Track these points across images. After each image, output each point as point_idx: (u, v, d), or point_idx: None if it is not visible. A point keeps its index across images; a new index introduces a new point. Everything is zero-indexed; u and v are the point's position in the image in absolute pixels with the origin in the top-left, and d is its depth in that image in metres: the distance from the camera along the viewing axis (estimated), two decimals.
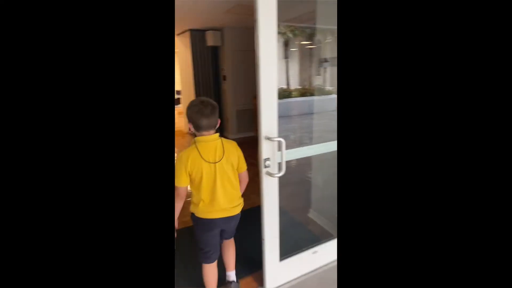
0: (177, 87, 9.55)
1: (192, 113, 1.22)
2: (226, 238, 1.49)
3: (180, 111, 8.98)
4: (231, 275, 1.58)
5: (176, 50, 6.41)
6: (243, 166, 1.37)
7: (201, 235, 1.35)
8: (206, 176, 1.24)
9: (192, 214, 1.35)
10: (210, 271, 1.41)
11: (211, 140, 1.26)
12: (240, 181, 1.38)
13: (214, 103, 1.27)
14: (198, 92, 5.40)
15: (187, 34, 5.18)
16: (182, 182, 1.23)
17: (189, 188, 1.30)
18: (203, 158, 1.22)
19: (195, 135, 1.29)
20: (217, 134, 1.29)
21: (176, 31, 5.56)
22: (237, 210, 1.37)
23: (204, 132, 1.25)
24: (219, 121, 1.29)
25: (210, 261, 1.39)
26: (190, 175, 1.24)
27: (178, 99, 8.13)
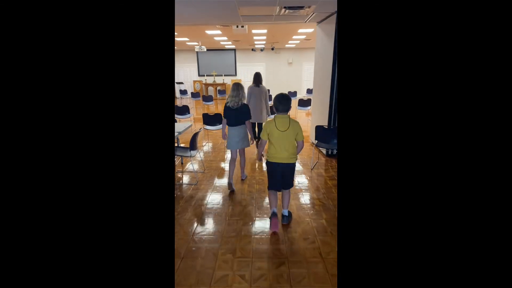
0: (310, 85, 8.50)
1: (275, 102, 2.33)
2: (285, 187, 2.55)
3: (308, 112, 8.15)
4: (285, 211, 2.66)
5: (314, 43, 5.34)
6: (300, 137, 2.38)
7: (268, 171, 2.55)
8: (275, 137, 2.36)
9: (267, 159, 2.52)
10: (271, 194, 2.63)
11: (283, 118, 2.35)
12: (297, 146, 2.43)
13: (289, 97, 2.33)
14: (333, 95, 4.18)
15: (332, 19, 3.99)
16: (264, 137, 2.42)
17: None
18: (276, 127, 2.33)
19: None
20: (288, 114, 2.37)
21: (318, 18, 4.47)
22: (290, 161, 2.43)
23: (280, 113, 2.34)
24: (291, 108, 2.37)
25: (271, 188, 2.59)
26: (268, 135, 2.40)
27: (309, 100, 7.12)
